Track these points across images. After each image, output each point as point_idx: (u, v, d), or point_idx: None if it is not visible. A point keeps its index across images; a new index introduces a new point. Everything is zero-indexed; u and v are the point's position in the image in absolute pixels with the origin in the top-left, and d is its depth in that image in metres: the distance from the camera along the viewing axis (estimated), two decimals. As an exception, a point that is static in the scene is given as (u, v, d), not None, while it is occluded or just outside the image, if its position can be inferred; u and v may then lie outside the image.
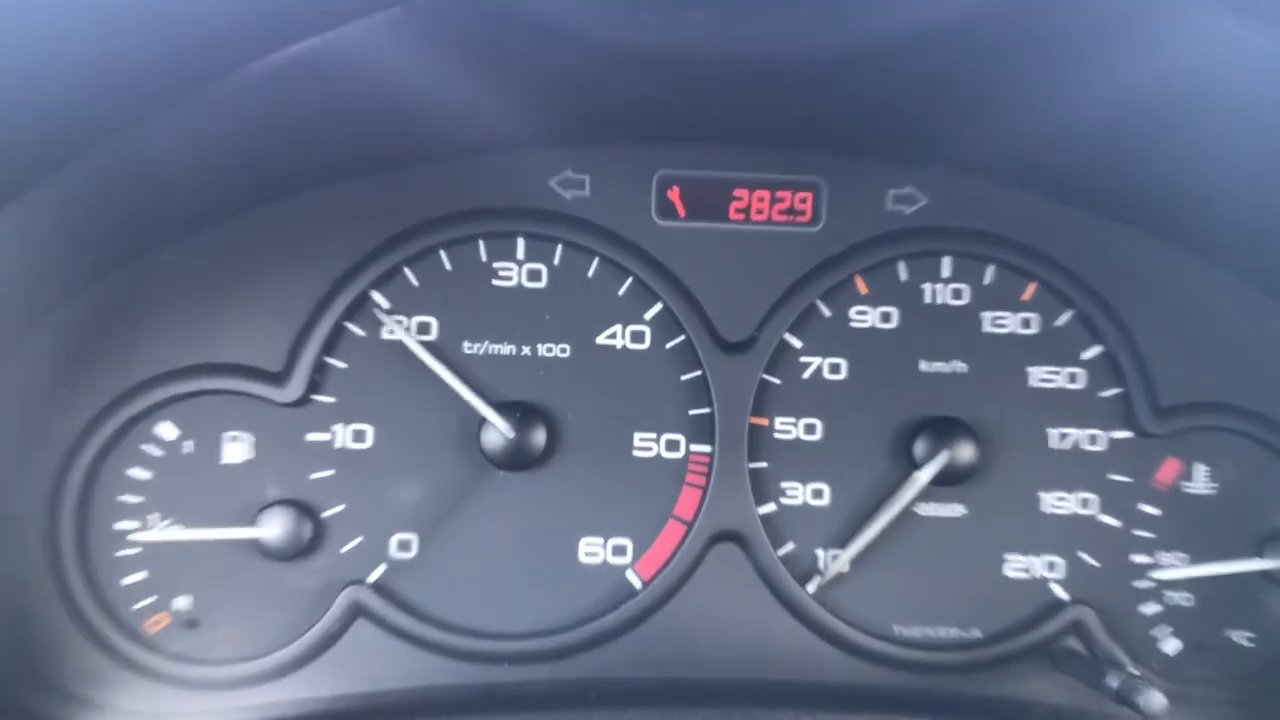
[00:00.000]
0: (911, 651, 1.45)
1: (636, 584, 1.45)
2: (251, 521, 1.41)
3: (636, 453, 1.47)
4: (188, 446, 1.44)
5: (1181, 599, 1.47)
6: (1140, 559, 1.47)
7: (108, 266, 1.39)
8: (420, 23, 1.11)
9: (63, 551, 1.39)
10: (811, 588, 1.45)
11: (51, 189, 1.16)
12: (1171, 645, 1.47)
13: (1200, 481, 1.48)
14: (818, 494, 1.47)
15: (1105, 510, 1.48)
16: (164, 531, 1.41)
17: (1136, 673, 1.34)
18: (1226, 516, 1.48)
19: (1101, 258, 1.48)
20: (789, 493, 1.47)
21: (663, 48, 1.16)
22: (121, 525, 1.41)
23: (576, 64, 1.24)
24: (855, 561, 1.45)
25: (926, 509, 1.47)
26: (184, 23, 1.02)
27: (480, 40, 1.17)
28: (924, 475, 1.41)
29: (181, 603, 1.42)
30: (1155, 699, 1.26)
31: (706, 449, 1.46)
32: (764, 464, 1.47)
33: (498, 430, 1.40)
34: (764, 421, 1.48)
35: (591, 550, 1.46)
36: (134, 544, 1.41)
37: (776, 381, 1.48)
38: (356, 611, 1.42)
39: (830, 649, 1.45)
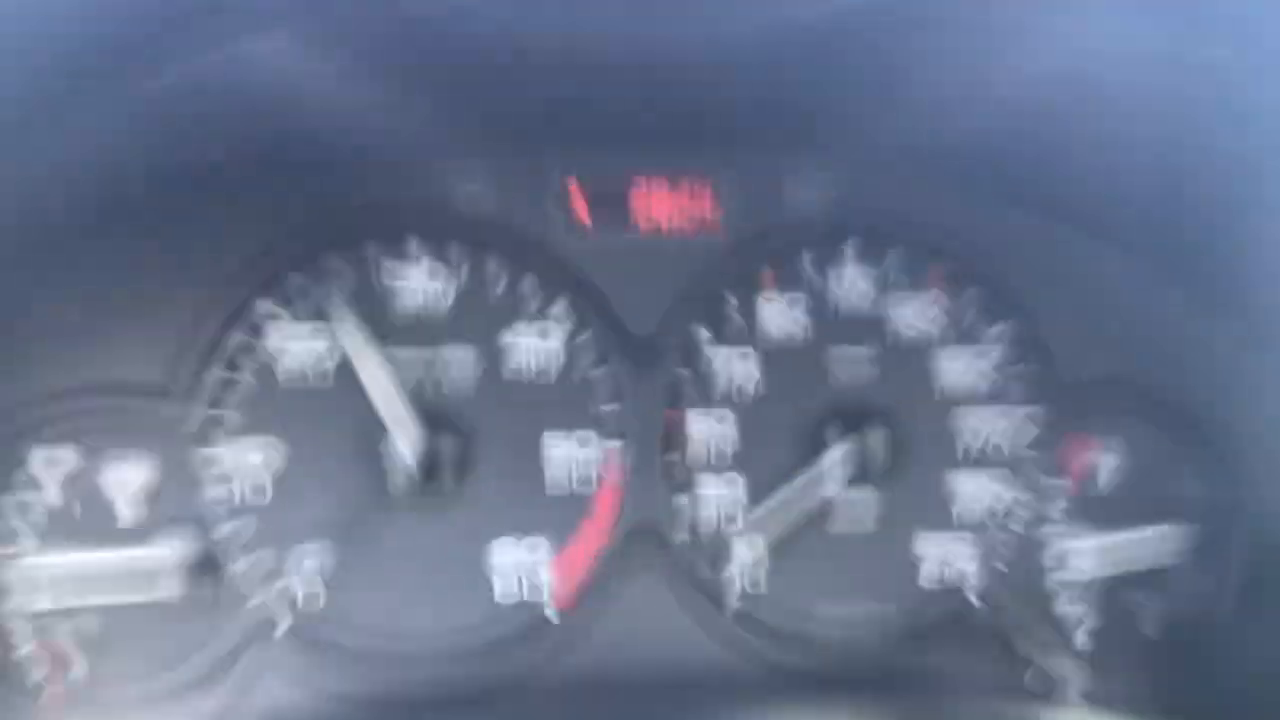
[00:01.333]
0: (828, 649, 1.45)
1: (549, 607, 1.42)
2: (145, 544, 1.35)
3: (549, 452, 1.44)
4: (75, 467, 1.36)
5: (1087, 587, 1.49)
6: (1049, 547, 1.49)
7: None
8: (312, 33, 1.07)
9: None
10: (730, 572, 1.44)
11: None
12: (1079, 634, 1.49)
13: (1105, 466, 1.51)
14: (732, 484, 1.46)
15: (1014, 487, 1.49)
16: (50, 556, 1.34)
17: (1047, 662, 1.36)
18: (1129, 501, 1.50)
19: (1002, 240, 1.50)
20: (704, 484, 1.46)
21: (553, 43, 1.14)
22: (5, 550, 1.34)
23: (468, 65, 1.20)
24: (773, 556, 1.45)
25: (840, 494, 1.46)
26: (70, 32, 0.96)
27: (369, 43, 1.13)
28: (835, 453, 1.40)
29: (77, 627, 1.35)
30: (1067, 690, 1.30)
31: (620, 445, 1.44)
32: (677, 457, 1.46)
33: (408, 441, 1.35)
34: (677, 414, 1.46)
35: (505, 550, 1.42)
36: (21, 569, 1.33)
37: (687, 374, 1.46)
38: (261, 664, 1.37)
39: (750, 639, 1.44)
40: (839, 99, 1.35)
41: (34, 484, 1.35)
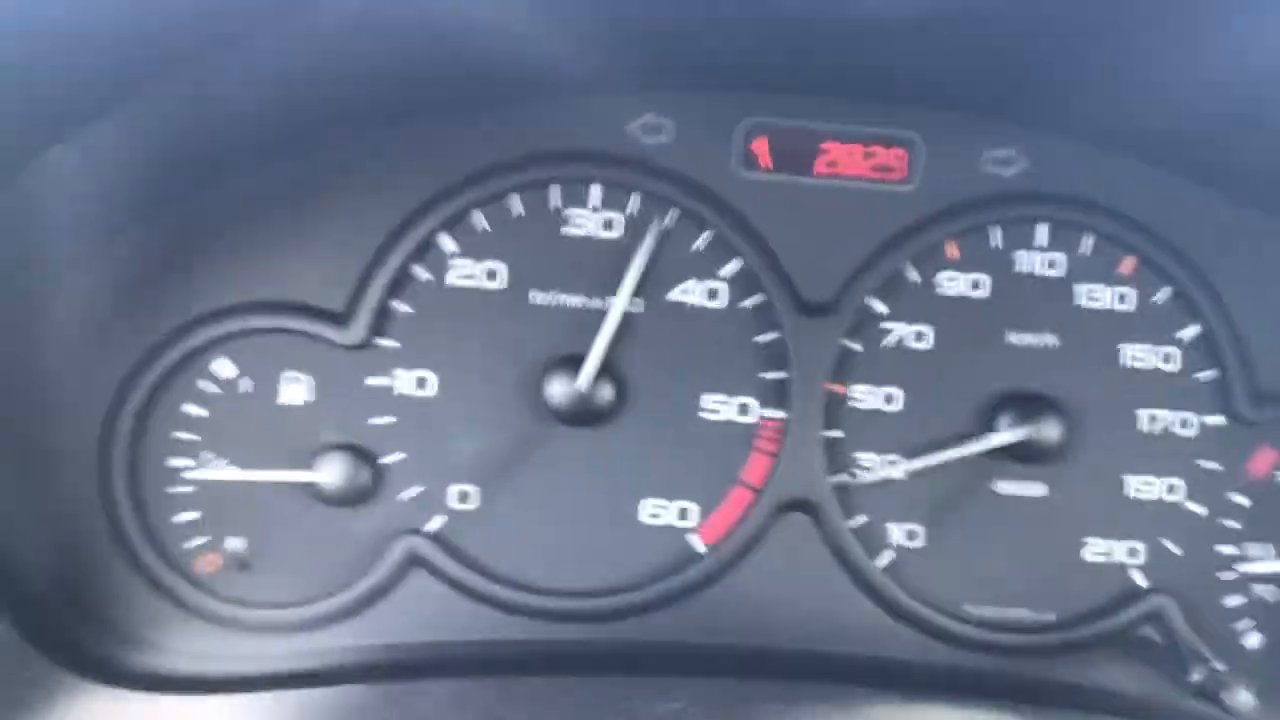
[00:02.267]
0: (982, 632, 1.40)
1: (699, 549, 1.41)
2: (308, 465, 1.37)
3: (705, 415, 1.41)
4: (245, 385, 1.39)
5: (1267, 593, 1.42)
6: (1226, 550, 1.41)
7: (173, 197, 1.34)
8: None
9: (114, 487, 1.36)
10: (882, 562, 1.40)
11: (125, 115, 1.11)
12: (1253, 640, 1.42)
13: (1293, 485, 1.42)
14: (893, 465, 1.41)
15: (1192, 497, 1.42)
16: (218, 470, 1.38)
17: (1221, 667, 1.28)
18: None
19: (1207, 234, 1.41)
20: (863, 463, 1.42)
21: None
22: (175, 462, 1.37)
23: (664, 9, 1.17)
24: (930, 538, 1.41)
25: (1006, 487, 1.41)
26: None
27: None
28: (1002, 437, 1.35)
29: (234, 544, 1.39)
30: (1243, 696, 1.22)
31: (780, 415, 1.41)
32: (839, 432, 1.42)
33: (567, 383, 1.35)
34: (841, 388, 1.42)
35: (654, 512, 1.41)
36: (187, 482, 1.37)
37: (857, 347, 1.42)
38: (412, 561, 1.39)
39: (899, 625, 1.41)
40: (1050, 74, 1.27)
41: (206, 397, 1.39)
